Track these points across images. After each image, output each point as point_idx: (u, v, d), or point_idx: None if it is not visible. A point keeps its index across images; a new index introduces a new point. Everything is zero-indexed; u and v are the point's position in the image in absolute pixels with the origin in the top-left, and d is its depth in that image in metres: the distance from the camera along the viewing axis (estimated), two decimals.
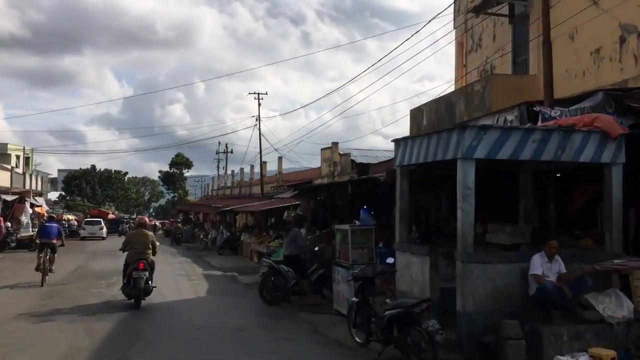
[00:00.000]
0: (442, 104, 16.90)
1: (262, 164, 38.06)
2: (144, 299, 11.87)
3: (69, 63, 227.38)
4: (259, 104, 38.62)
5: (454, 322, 7.98)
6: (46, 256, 15.65)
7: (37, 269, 15.42)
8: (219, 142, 73.16)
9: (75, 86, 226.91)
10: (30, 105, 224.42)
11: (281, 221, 23.06)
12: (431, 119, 16.87)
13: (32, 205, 42.63)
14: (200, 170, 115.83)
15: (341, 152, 25.14)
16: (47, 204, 55.92)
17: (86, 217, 63.97)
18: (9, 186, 40.44)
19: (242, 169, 48.14)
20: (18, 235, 29.82)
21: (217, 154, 72.43)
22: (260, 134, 38.32)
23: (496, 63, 17.72)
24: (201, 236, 34.80)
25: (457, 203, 8.01)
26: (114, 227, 57.14)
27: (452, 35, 21.15)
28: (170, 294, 13.75)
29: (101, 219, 46.33)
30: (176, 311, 11.44)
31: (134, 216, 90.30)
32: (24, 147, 62.77)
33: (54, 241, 16.37)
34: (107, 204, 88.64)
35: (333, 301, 11.43)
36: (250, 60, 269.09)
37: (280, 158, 35.40)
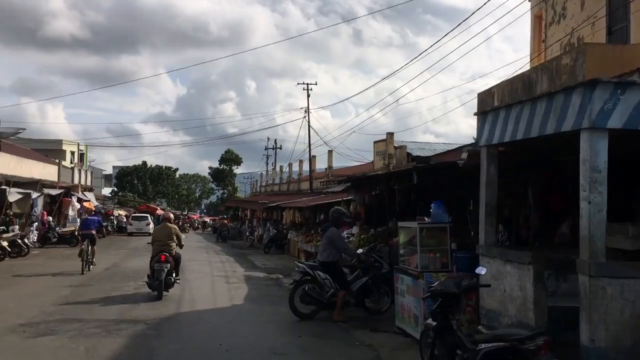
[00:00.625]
0: (519, 83, 14.36)
1: (311, 159, 36.05)
2: (167, 292, 12.01)
3: (126, 63, 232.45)
4: (308, 95, 36.73)
5: (569, 356, 5.67)
6: (87, 247, 16.77)
7: (79, 254, 16.68)
8: (268, 138, 71.88)
9: (131, 85, 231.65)
10: (88, 104, 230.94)
11: None
12: (505, 101, 14.40)
13: (80, 200, 42.08)
14: (250, 168, 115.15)
15: (396, 145, 22.86)
16: (97, 199, 55.79)
17: (135, 213, 63.84)
18: (56, 180, 39.94)
19: (290, 165, 46.38)
20: (60, 230, 28.79)
21: (266, 150, 71.09)
22: (309, 125, 36.38)
23: (584, 34, 15.07)
24: (247, 233, 33.12)
25: (580, 192, 5.66)
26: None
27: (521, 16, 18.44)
28: (201, 301, 11.83)
29: (148, 215, 45.39)
30: (203, 325, 9.44)
31: (185, 213, 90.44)
32: (78, 144, 63.29)
33: (93, 232, 17.58)
34: (157, 200, 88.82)
35: (395, 317, 9.18)
36: (300, 59, 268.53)
37: (330, 152, 33.31)
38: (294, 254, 24.67)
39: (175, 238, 12.46)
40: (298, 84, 37.28)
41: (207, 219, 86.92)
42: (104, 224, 45.70)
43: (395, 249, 13.66)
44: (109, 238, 37.62)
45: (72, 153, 57.40)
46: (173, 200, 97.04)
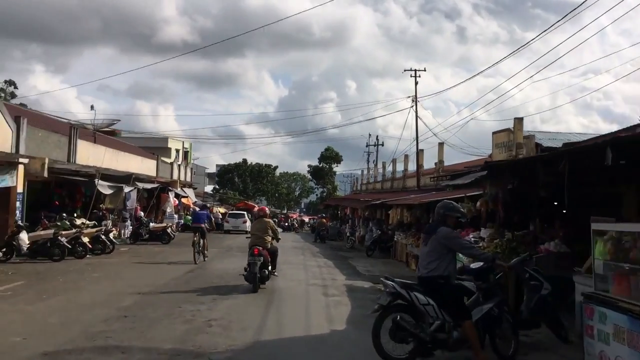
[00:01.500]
0: None
1: (418, 153, 32.58)
2: (263, 285, 12.21)
3: (231, 66, 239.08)
4: (416, 82, 33.24)
5: None
6: (199, 239, 18.23)
7: (192, 245, 18.26)
8: (369, 135, 69.06)
9: (236, 88, 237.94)
10: (196, 106, 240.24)
11: None
12: None
13: (178, 196, 41.21)
14: (349, 167, 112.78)
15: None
16: (197, 196, 55.44)
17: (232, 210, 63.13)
18: (154, 175, 39.23)
19: (394, 160, 43.09)
20: (151, 227, 27.38)
21: (367, 147, 68.11)
22: (417, 115, 32.92)
23: None
24: (347, 234, 30.25)
25: None
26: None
27: None
28: (291, 322, 8.96)
29: (245, 212, 43.85)
30: None
31: (285, 211, 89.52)
32: (183, 142, 63.89)
33: (203, 226, 18.60)
34: (257, 198, 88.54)
35: None
36: (402, 58, 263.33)
37: (441, 145, 29.69)
38: (401, 259, 21.47)
39: (270, 232, 12.77)
40: (405, 70, 33.76)
41: (306, 218, 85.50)
42: None
43: (547, 259, 10.22)
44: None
45: (177, 151, 57.71)
46: (272, 199, 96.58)
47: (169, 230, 26.89)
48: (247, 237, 13.90)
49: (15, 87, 49.04)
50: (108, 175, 27.68)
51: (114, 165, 30.07)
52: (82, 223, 22.16)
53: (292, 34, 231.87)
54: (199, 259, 17.81)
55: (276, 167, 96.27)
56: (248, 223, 42.60)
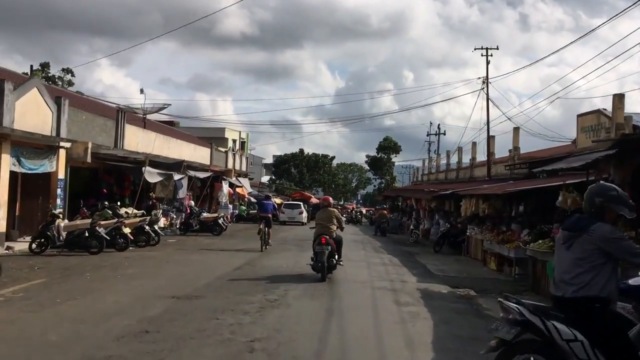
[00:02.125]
0: None
1: (489, 139, 29.71)
2: (330, 274, 12.03)
3: (289, 57, 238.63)
4: (488, 62, 30.25)
5: None
6: (264, 228, 18.59)
7: (258, 232, 18.84)
8: (430, 123, 66.03)
9: (292, 79, 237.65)
10: (254, 97, 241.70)
11: (545, 209, 15.05)
12: None
13: (233, 186, 39.79)
14: (405, 157, 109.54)
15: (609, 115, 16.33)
16: (253, 186, 54.18)
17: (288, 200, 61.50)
18: (208, 164, 37.88)
19: (460, 148, 40.16)
20: (202, 217, 25.82)
21: (427, 135, 65.12)
22: (487, 97, 29.94)
23: None
24: (411, 227, 27.82)
25: None
26: (317, 211, 53.00)
27: None
28: (358, 346, 6.75)
29: (301, 203, 41.99)
30: None
31: (342, 202, 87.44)
32: (240, 132, 63.03)
33: (269, 215, 19.14)
34: (314, 188, 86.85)
35: None
36: (462, 47, 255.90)
37: (516, 129, 26.77)
38: (475, 256, 18.97)
39: (335, 221, 12.67)
40: (475, 49, 30.84)
41: (363, 210, 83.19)
42: (256, 211, 43.35)
43: None
44: (254, 227, 34.52)
45: (234, 141, 56.80)
46: (329, 190, 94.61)
47: (220, 220, 25.23)
48: (311, 228, 13.65)
49: (73, 75, 48.70)
50: (157, 163, 26.27)
51: (165, 152, 28.70)
52: (126, 212, 20.74)
53: (349, 25, 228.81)
54: (264, 247, 18.44)
55: (333, 158, 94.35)
56: (304, 214, 40.82)
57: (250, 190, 49.58)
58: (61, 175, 18.56)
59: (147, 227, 17.86)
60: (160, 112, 29.59)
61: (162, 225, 26.02)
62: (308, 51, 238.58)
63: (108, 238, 15.41)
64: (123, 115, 23.70)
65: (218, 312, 8.29)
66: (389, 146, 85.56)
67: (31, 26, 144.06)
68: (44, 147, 17.82)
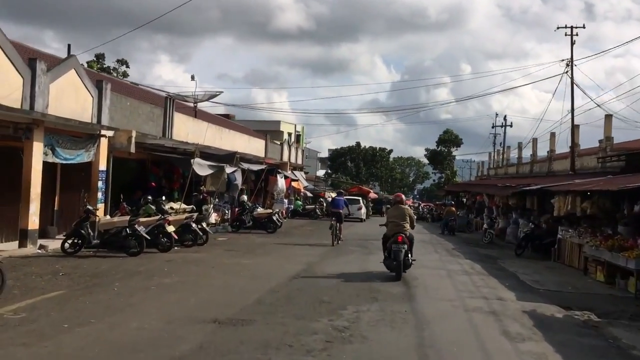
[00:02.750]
0: None
1: (574, 128, 26.51)
2: (404, 272, 11.58)
3: (344, 51, 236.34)
4: (573, 43, 26.93)
5: None
6: (336, 224, 18.93)
7: (330, 227, 19.27)
8: (496, 114, 62.35)
9: (348, 73, 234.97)
10: (310, 92, 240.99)
11: None
12: None
13: (287, 179, 37.91)
14: (463, 151, 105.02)
15: None
16: (309, 180, 52.31)
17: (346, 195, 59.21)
18: (262, 156, 36.06)
19: (534, 140, 36.94)
20: (255, 213, 23.89)
21: (492, 127, 61.48)
22: (572, 82, 26.67)
23: None
24: (484, 226, 25.01)
25: None
26: (376, 207, 50.87)
27: None
28: None
29: (360, 198, 39.64)
30: None
31: None
32: (295, 125, 61.49)
33: (340, 211, 19.54)
34: (370, 183, 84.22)
35: None
36: (523, 38, 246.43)
37: (608, 117, 23.56)
38: (570, 263, 16.19)
39: (408, 219, 12.32)
40: (559, 27, 27.61)
41: (422, 205, 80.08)
42: (312, 206, 41.32)
43: None
44: (316, 224, 32.49)
45: (289, 134, 55.35)
46: (386, 184, 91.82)
47: (275, 217, 23.20)
48: (380, 225, 13.22)
49: (127, 67, 47.93)
50: (208, 154, 24.52)
51: (217, 143, 26.94)
52: (171, 208, 19.04)
53: (406, 18, 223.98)
54: (335, 242, 18.77)
55: (391, 151, 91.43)
56: (364, 210, 38.47)
57: (306, 184, 47.64)
58: (102, 166, 16.91)
59: (193, 225, 15.96)
60: (213, 100, 27.84)
61: (213, 221, 24.32)
62: (364, 45, 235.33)
63: (149, 237, 13.56)
64: (172, 102, 22.00)
65: (271, 348, 6.11)
66: (449, 139, 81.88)
67: (95, 24, 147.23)
68: (84, 135, 16.20)
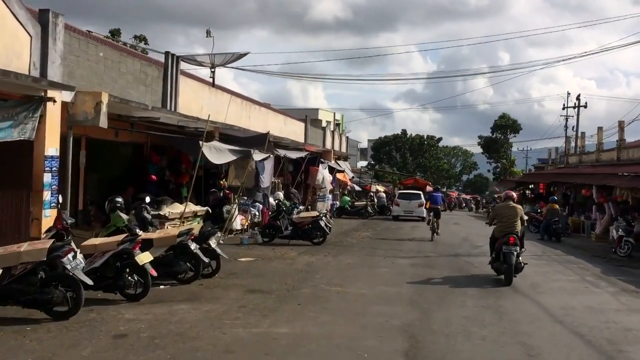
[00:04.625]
0: None
1: None
2: (515, 276, 10.71)
3: (381, 41, 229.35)
4: None
5: None
6: (433, 219, 19.51)
7: (428, 223, 20.70)
8: (568, 93, 54.08)
9: (384, 64, 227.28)
10: (346, 85, 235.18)
11: None
12: None
13: (333, 170, 31.24)
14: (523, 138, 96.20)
15: None
16: (353, 171, 45.73)
17: (398, 189, 52.18)
18: (302, 141, 29.47)
19: (621, 123, 29.50)
20: (295, 216, 17.27)
21: (563, 108, 53.52)
22: None
23: None
24: (617, 231, 17.66)
25: None
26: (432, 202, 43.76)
27: None
28: None
29: (420, 192, 32.68)
30: None
31: (444, 189, 76.61)
32: (334, 113, 55.71)
33: (439, 207, 20.31)
34: (417, 173, 76.92)
35: None
36: (565, 24, 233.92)
37: None
38: None
39: (519, 219, 11.31)
40: None
41: (469, 197, 72.18)
42: (362, 202, 34.56)
43: None
44: (371, 225, 25.77)
45: (328, 122, 49.36)
46: (433, 175, 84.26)
47: (322, 221, 16.47)
48: (487, 224, 12.62)
49: (146, 43, 41.93)
50: (231, 137, 18.10)
51: (244, 123, 20.45)
52: (170, 212, 12.82)
53: (446, 5, 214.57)
54: (435, 235, 19.06)
55: (440, 139, 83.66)
56: (424, 206, 31.50)
57: (352, 175, 40.90)
58: (51, 148, 10.47)
59: (193, 246, 9.35)
60: (240, 67, 21.10)
61: (238, 227, 17.91)
62: (402, 34, 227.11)
63: (89, 282, 6.98)
64: (175, 61, 15.48)
65: None
66: (506, 125, 73.64)
67: (135, 19, 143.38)
68: (14, 96, 9.86)
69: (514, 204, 11.65)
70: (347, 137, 46.42)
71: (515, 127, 74.12)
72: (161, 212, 13.67)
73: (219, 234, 11.67)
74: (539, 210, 27.20)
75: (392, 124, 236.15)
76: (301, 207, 18.49)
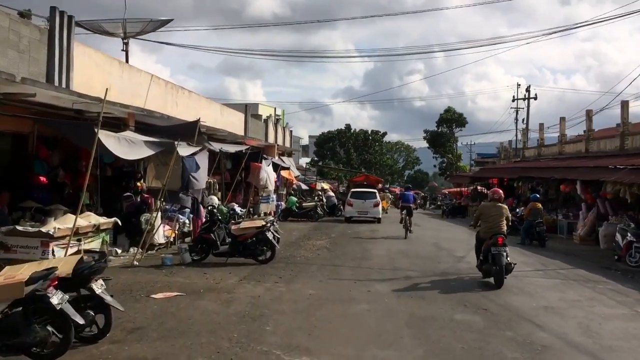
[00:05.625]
0: None
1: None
2: (506, 277, 10.29)
3: (320, 39, 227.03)
4: None
5: None
6: (406, 216, 19.71)
7: (401, 221, 20.24)
8: (518, 85, 52.30)
9: (321, 62, 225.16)
10: (284, 82, 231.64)
11: None
12: None
13: (277, 167, 27.54)
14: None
15: None
16: (298, 169, 42.23)
17: (344, 186, 48.91)
18: (242, 134, 25.64)
19: (588, 112, 27.40)
20: (234, 228, 13.45)
21: (513, 100, 51.82)
22: None
23: None
24: (623, 236, 14.73)
25: None
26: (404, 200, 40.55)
27: None
28: None
29: (375, 191, 29.44)
30: None
31: (387, 185, 74.09)
32: (275, 108, 52.08)
33: (411, 205, 20.39)
34: (362, 170, 74.18)
35: None
36: (496, 22, 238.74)
37: None
38: None
39: (505, 219, 10.97)
40: None
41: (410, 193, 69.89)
42: (311, 203, 31.04)
43: None
44: (319, 228, 22.39)
45: (269, 116, 45.66)
46: (377, 171, 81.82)
47: (269, 233, 12.69)
48: (470, 226, 12.62)
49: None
50: (150, 127, 14.22)
51: (170, 110, 16.52)
52: (57, 229, 9.09)
53: (383, 3, 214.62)
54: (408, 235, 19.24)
55: (385, 134, 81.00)
56: (380, 206, 28.27)
57: (297, 173, 37.30)
58: None
59: (55, 299, 5.41)
60: (154, 38, 16.87)
61: (161, 241, 14.06)
62: (340, 31, 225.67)
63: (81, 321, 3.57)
64: (67, 23, 11.36)
65: None
66: (451, 118, 71.86)
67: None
68: None
69: (500, 204, 11.23)
70: (291, 131, 42.73)
71: (461, 121, 72.43)
72: (43, 229, 9.64)
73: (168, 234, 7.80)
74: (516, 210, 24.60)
75: (331, 121, 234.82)
76: (241, 216, 14.67)
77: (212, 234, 12.53)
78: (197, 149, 13.97)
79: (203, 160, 14.06)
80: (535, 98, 49.88)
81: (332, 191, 40.13)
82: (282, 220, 26.40)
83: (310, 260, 13.28)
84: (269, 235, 12.46)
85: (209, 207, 13.29)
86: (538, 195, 19.20)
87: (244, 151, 20.13)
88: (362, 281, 10.54)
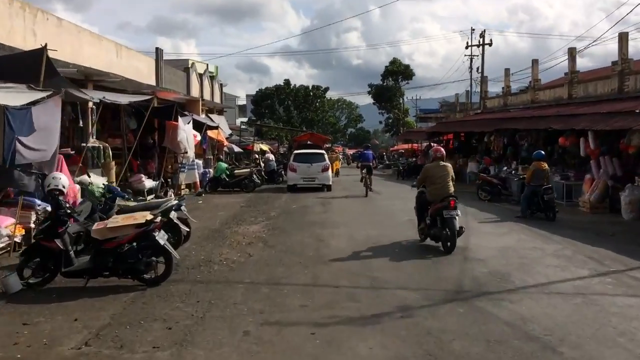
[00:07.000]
0: None
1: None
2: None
3: None
4: None
5: None
6: (366, 175, 20.19)
7: (361, 180, 21.01)
8: (472, 29, 48.01)
9: (257, 20, 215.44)
10: (220, 41, 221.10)
11: None
12: None
13: (202, 127, 22.06)
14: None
15: None
16: (232, 129, 36.79)
17: (286, 147, 43.73)
18: (154, 84, 19.94)
19: (571, 50, 23.31)
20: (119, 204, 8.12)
21: (467, 47, 47.46)
22: None
23: None
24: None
25: None
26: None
27: None
28: None
29: (323, 152, 24.44)
30: None
31: (330, 145, 69.30)
32: (207, 64, 45.58)
33: (370, 164, 20.95)
34: (304, 128, 69.03)
35: None
36: None
37: None
38: None
39: (451, 179, 10.23)
40: None
41: (351, 152, 65.12)
42: (246, 170, 25.67)
43: None
44: (255, 202, 17.41)
45: (202, 73, 39.53)
46: (319, 130, 76.85)
47: (160, 237, 7.40)
48: (412, 186, 11.25)
49: None
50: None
51: (23, 43, 10.80)
52: None
53: None
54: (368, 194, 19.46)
55: (327, 89, 75.74)
56: (330, 170, 23.35)
57: (229, 132, 31.85)
58: None
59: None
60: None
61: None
62: None
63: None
64: None
65: None
66: (397, 70, 67.24)
67: None
68: None
69: (445, 163, 10.39)
70: (221, 85, 36.82)
71: (408, 73, 67.89)
72: None
73: None
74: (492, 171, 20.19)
75: (270, 80, 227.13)
76: (120, 203, 9.19)
77: (57, 240, 7.16)
78: (42, 94, 8.45)
79: (50, 114, 8.54)
80: (491, 44, 45.65)
81: (272, 153, 34.95)
82: (210, 192, 21.14)
83: (236, 271, 8.18)
84: (160, 240, 7.18)
85: (52, 191, 7.66)
86: (543, 152, 14.55)
87: (145, 101, 14.58)
88: (325, 327, 5.58)
